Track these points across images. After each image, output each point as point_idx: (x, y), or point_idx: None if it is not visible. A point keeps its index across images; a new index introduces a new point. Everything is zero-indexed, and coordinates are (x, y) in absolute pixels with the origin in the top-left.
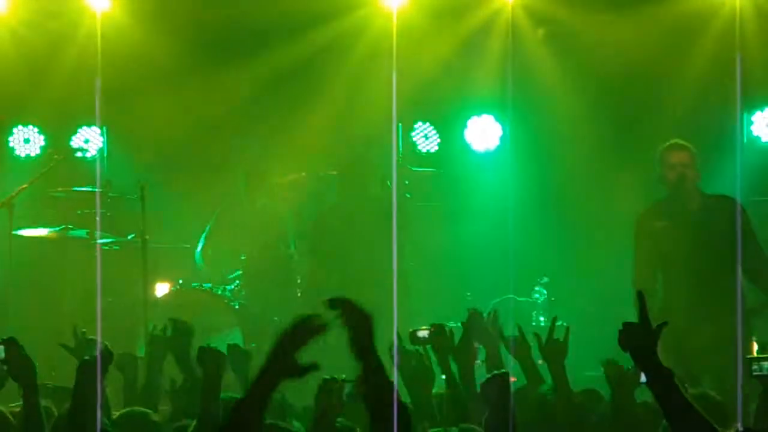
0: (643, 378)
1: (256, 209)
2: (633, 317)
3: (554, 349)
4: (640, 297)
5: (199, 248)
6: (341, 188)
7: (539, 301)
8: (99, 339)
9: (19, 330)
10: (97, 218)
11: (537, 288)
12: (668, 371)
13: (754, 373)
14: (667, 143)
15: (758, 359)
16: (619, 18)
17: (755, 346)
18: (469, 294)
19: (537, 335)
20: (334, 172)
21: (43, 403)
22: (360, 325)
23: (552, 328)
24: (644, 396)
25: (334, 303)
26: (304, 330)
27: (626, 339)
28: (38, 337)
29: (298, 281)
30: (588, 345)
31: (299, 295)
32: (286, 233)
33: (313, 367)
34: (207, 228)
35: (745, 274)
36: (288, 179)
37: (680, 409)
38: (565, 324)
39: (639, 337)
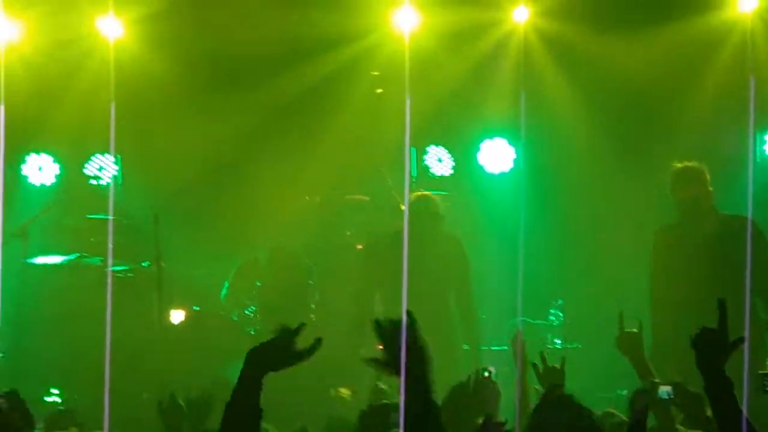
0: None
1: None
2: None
3: (551, 375)
4: (721, 305)
5: (223, 293)
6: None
7: (554, 324)
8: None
9: (31, 359)
10: (110, 245)
11: (552, 310)
12: (730, 380)
13: (767, 389)
14: (680, 164)
15: None
16: (631, 39)
17: None
18: (484, 316)
19: (534, 364)
20: (351, 197)
21: None
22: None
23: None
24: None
25: (385, 327)
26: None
27: (702, 343)
28: (52, 365)
29: (313, 307)
30: (606, 366)
31: (314, 320)
32: (301, 262)
33: (318, 343)
34: (230, 278)
35: (761, 294)
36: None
37: (733, 418)
38: (580, 346)
39: (714, 343)
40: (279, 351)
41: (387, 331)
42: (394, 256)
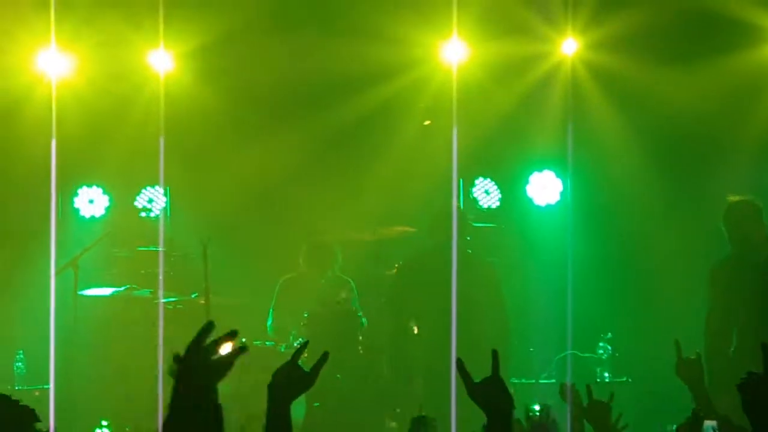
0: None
1: (321, 279)
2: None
3: (597, 409)
4: (765, 349)
5: (269, 323)
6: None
7: (603, 357)
8: (161, 397)
9: (83, 390)
10: (161, 277)
11: (601, 344)
12: None
13: None
14: (734, 198)
15: None
16: (682, 72)
17: None
18: (532, 349)
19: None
20: (399, 228)
21: None
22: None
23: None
24: None
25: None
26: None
27: (748, 387)
28: (103, 396)
29: (360, 339)
30: (654, 401)
31: (361, 352)
32: (349, 292)
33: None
34: (272, 303)
35: None
36: (350, 237)
37: None
38: (630, 380)
39: (760, 387)
40: (289, 379)
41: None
42: (424, 278)
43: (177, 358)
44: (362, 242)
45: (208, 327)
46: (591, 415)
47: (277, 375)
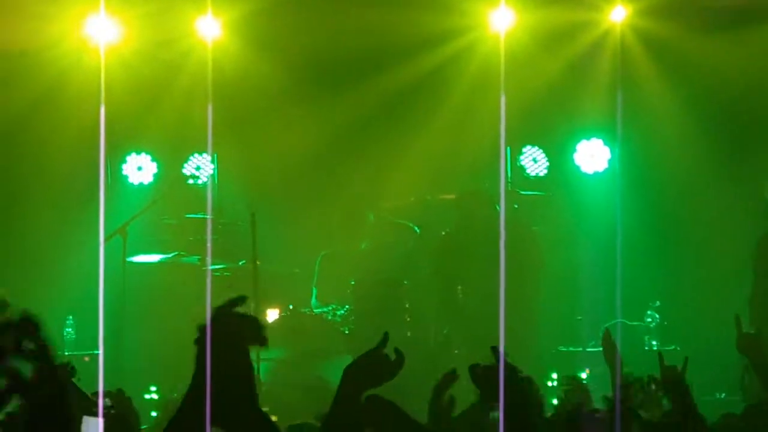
0: None
1: (359, 250)
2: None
3: (672, 377)
4: None
5: (313, 301)
6: (463, 212)
7: (651, 326)
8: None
9: (132, 356)
10: (209, 245)
11: (649, 312)
12: None
13: None
14: None
15: None
16: (733, 41)
17: None
18: (580, 317)
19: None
20: (446, 196)
21: None
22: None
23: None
24: None
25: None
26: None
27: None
28: (151, 361)
29: (407, 306)
30: (706, 369)
31: (408, 320)
32: (394, 260)
33: (401, 357)
34: (315, 276)
35: None
36: (395, 204)
37: None
38: (678, 348)
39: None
40: (376, 367)
41: (482, 376)
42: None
43: (201, 328)
44: (409, 209)
45: (238, 300)
46: (667, 382)
47: (364, 362)
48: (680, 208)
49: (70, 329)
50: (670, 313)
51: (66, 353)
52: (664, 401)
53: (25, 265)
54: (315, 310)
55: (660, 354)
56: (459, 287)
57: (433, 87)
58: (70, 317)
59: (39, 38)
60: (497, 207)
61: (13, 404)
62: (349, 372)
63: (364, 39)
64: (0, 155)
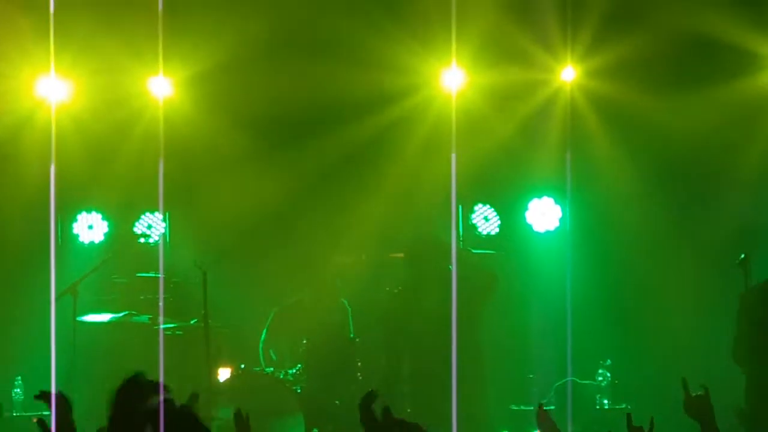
0: None
1: (317, 304)
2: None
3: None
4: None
5: (260, 349)
6: (411, 268)
7: (603, 384)
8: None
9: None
10: (161, 303)
11: (600, 370)
12: None
13: None
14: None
15: None
16: (679, 100)
17: None
18: (532, 375)
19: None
20: (395, 255)
21: None
22: None
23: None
24: None
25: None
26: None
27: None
28: (103, 423)
29: (359, 364)
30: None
31: (360, 378)
32: (347, 317)
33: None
34: (265, 330)
35: None
36: (348, 260)
37: None
38: (629, 407)
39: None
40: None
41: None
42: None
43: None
44: (360, 267)
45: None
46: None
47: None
48: (631, 265)
49: (18, 389)
50: (621, 371)
51: (14, 414)
52: None
53: None
54: (266, 369)
55: (629, 415)
56: (407, 346)
57: (386, 145)
58: (19, 377)
59: None
60: (449, 265)
61: None
62: None
63: (316, 97)
64: None
